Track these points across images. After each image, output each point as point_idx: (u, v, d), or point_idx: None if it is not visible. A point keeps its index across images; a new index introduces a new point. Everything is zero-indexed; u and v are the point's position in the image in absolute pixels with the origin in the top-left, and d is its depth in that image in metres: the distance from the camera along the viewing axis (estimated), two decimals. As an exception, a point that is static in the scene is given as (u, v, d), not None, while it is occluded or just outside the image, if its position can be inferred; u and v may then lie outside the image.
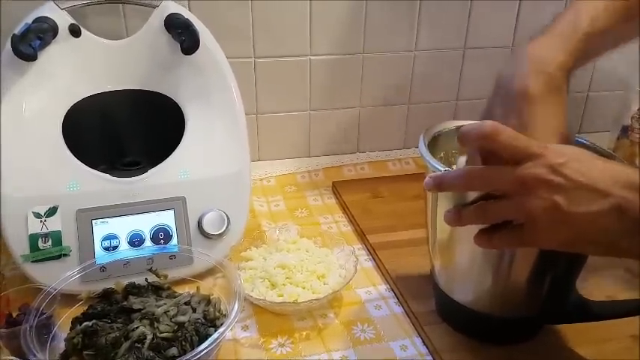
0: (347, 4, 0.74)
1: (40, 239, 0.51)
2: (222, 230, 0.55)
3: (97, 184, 0.54)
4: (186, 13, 0.60)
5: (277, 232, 0.61)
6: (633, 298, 0.44)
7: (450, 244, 0.47)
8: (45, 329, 0.45)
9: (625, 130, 0.78)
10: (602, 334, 0.48)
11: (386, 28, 0.77)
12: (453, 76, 0.84)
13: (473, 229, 0.41)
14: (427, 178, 0.39)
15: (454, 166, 0.48)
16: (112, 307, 0.47)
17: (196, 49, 0.57)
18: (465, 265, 0.47)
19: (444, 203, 0.45)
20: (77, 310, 0.48)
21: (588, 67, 0.90)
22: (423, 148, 0.45)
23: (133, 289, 0.49)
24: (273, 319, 0.52)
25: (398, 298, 0.55)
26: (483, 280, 0.46)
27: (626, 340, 0.49)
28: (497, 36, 0.82)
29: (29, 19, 0.55)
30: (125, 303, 0.47)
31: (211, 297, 0.50)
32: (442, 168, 0.42)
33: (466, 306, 0.48)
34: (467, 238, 0.44)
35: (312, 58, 0.76)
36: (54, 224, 0.52)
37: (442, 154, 0.51)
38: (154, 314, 0.45)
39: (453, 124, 0.51)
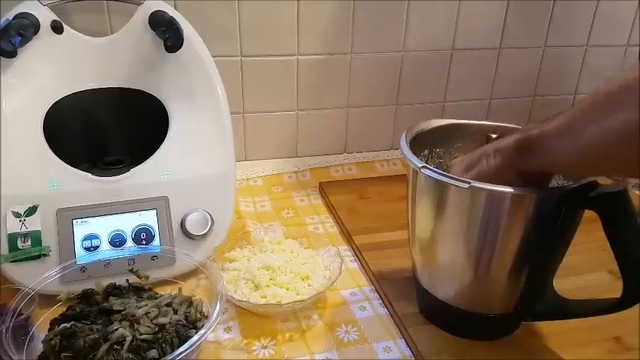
0: (335, 3, 0.74)
1: (19, 239, 0.50)
2: (206, 231, 0.55)
3: (78, 183, 0.53)
4: (171, 11, 0.59)
5: (262, 232, 0.61)
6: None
7: (430, 243, 0.47)
8: (22, 330, 0.44)
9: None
10: (586, 337, 0.49)
11: (374, 28, 0.77)
12: (441, 77, 0.84)
13: (452, 227, 0.43)
14: None
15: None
16: (91, 308, 0.47)
17: (180, 47, 0.56)
18: (445, 262, 0.47)
19: (423, 203, 0.45)
20: (56, 311, 0.47)
21: (575, 69, 0.91)
22: (404, 146, 0.46)
23: (113, 290, 0.49)
24: (256, 320, 0.51)
25: (382, 300, 0.55)
26: (463, 277, 0.46)
27: (609, 343, 0.49)
28: (485, 37, 0.83)
29: (10, 15, 0.54)
30: (105, 304, 0.47)
31: (193, 298, 0.49)
32: (420, 165, 0.43)
33: (447, 302, 0.48)
34: (447, 237, 0.45)
35: (299, 57, 0.76)
36: (33, 224, 0.51)
37: (426, 152, 0.51)
38: (134, 315, 0.45)
39: (437, 122, 0.51)
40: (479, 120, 0.53)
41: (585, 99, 0.35)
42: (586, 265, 0.58)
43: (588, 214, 0.41)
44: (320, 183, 0.77)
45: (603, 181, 0.40)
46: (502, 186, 0.40)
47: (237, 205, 0.70)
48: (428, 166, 0.43)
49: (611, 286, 0.43)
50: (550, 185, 0.46)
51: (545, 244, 0.42)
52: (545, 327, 0.50)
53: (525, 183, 0.39)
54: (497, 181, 0.40)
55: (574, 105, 0.38)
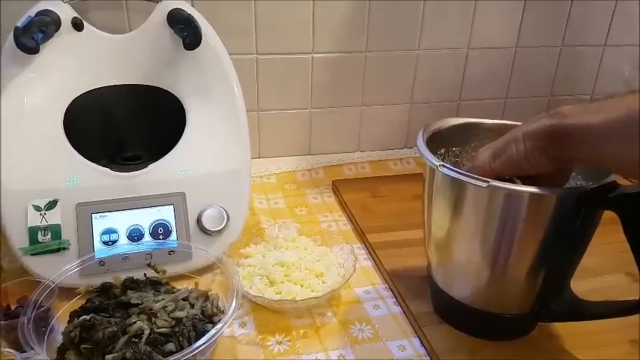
0: (350, 2, 0.74)
1: (39, 232, 0.51)
2: (222, 227, 0.55)
3: (97, 178, 0.54)
4: (188, 9, 0.59)
5: (277, 229, 0.61)
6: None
7: (446, 242, 0.47)
8: (43, 322, 0.45)
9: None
10: (602, 339, 0.48)
11: (389, 26, 0.77)
12: (456, 76, 0.84)
13: (469, 226, 0.43)
14: None
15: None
16: (110, 301, 0.47)
17: (198, 45, 0.56)
18: (461, 262, 0.47)
19: (440, 202, 0.45)
20: (75, 303, 0.48)
21: (592, 69, 0.90)
22: (421, 144, 0.46)
23: (131, 284, 0.49)
24: (271, 316, 0.52)
25: (396, 298, 0.55)
26: (479, 277, 0.46)
27: (626, 345, 0.48)
28: (501, 36, 0.82)
29: (32, 12, 0.55)
30: (123, 297, 0.47)
31: (209, 293, 0.50)
32: (438, 163, 0.43)
33: (462, 302, 0.48)
34: (463, 236, 0.45)
35: (314, 55, 0.76)
36: (54, 217, 0.52)
37: (442, 151, 0.51)
38: (151, 309, 0.45)
39: (453, 121, 0.51)
40: (494, 119, 0.53)
41: (635, 101, 0.33)
42: (603, 267, 0.57)
43: (606, 215, 0.40)
44: (333, 181, 0.77)
45: (623, 181, 0.40)
46: (521, 185, 0.40)
47: (251, 202, 0.71)
48: (445, 164, 0.43)
49: (629, 289, 0.43)
50: (568, 185, 0.45)
51: (563, 244, 0.42)
52: (562, 328, 0.49)
53: (556, 167, 0.39)
54: (528, 165, 0.39)
55: (611, 96, 0.36)
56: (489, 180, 0.40)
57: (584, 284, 0.46)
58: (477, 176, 0.40)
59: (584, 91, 0.91)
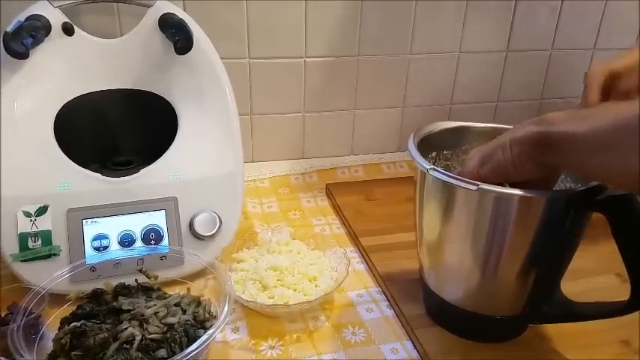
0: (342, 5, 0.74)
1: (29, 238, 0.51)
2: (214, 231, 0.55)
3: (88, 184, 0.54)
4: (180, 13, 0.59)
5: (269, 233, 0.61)
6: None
7: (437, 245, 0.47)
8: (33, 329, 0.45)
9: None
10: (593, 340, 0.49)
11: (381, 30, 0.77)
12: (448, 80, 0.84)
13: (460, 229, 0.43)
14: None
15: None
16: (101, 307, 0.47)
17: (190, 49, 0.56)
18: (452, 264, 0.47)
19: (431, 205, 0.45)
20: (66, 310, 0.48)
21: (582, 73, 0.90)
22: (412, 147, 0.46)
23: (122, 290, 0.49)
24: (263, 321, 0.52)
25: (389, 301, 0.55)
26: (470, 279, 0.46)
27: (617, 346, 0.49)
28: (492, 40, 0.83)
29: (22, 17, 0.55)
30: (114, 304, 0.47)
31: (202, 298, 0.49)
32: (428, 166, 0.43)
33: (454, 304, 0.48)
34: (454, 238, 0.45)
35: (307, 59, 0.76)
36: (44, 223, 0.52)
37: (434, 154, 0.51)
38: (143, 315, 0.45)
39: (445, 124, 0.52)
40: (486, 122, 0.53)
41: (623, 110, 0.33)
42: (593, 268, 0.57)
43: (596, 216, 0.41)
44: (327, 184, 0.77)
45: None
46: (510, 189, 0.40)
47: (245, 206, 0.71)
48: (436, 167, 0.43)
49: (619, 289, 0.43)
50: (557, 187, 0.46)
51: (552, 246, 0.42)
52: (553, 329, 0.50)
53: (543, 173, 0.39)
54: (515, 171, 0.39)
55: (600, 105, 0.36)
56: (479, 183, 0.40)
57: (575, 286, 0.47)
58: (466, 179, 0.41)
59: (574, 94, 0.92)
